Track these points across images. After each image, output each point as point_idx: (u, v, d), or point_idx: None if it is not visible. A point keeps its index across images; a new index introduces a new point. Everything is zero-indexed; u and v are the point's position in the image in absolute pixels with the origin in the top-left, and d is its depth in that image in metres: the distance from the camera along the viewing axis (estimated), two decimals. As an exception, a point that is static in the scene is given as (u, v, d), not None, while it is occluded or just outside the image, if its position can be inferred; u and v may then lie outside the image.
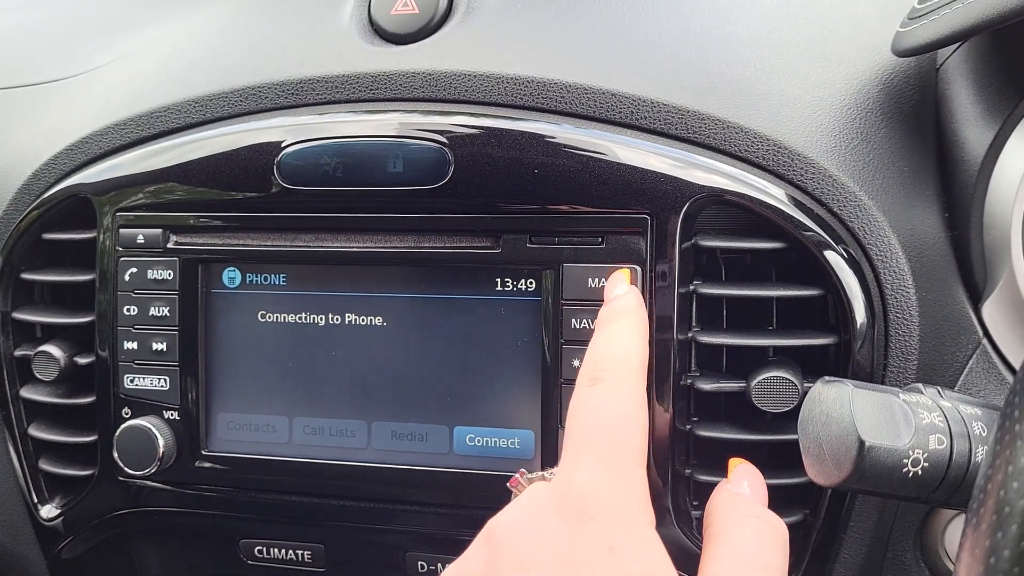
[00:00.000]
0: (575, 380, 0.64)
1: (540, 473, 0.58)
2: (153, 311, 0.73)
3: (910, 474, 0.50)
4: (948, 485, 0.50)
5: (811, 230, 0.64)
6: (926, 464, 0.50)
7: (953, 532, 0.70)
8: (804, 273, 0.66)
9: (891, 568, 0.69)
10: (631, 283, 0.65)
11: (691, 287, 0.66)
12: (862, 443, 0.49)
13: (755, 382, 0.64)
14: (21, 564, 0.85)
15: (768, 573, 0.53)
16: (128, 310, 0.74)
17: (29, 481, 0.81)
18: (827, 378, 0.54)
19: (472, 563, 0.51)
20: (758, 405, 0.64)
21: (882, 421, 0.50)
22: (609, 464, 0.52)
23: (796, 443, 0.64)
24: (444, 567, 0.70)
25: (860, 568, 0.68)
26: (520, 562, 0.48)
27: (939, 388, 0.54)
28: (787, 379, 0.63)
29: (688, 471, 0.66)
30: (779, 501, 0.67)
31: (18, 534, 0.83)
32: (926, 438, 0.50)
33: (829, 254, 0.64)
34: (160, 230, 0.73)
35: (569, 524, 0.49)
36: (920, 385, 0.54)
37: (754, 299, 0.66)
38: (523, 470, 0.59)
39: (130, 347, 0.74)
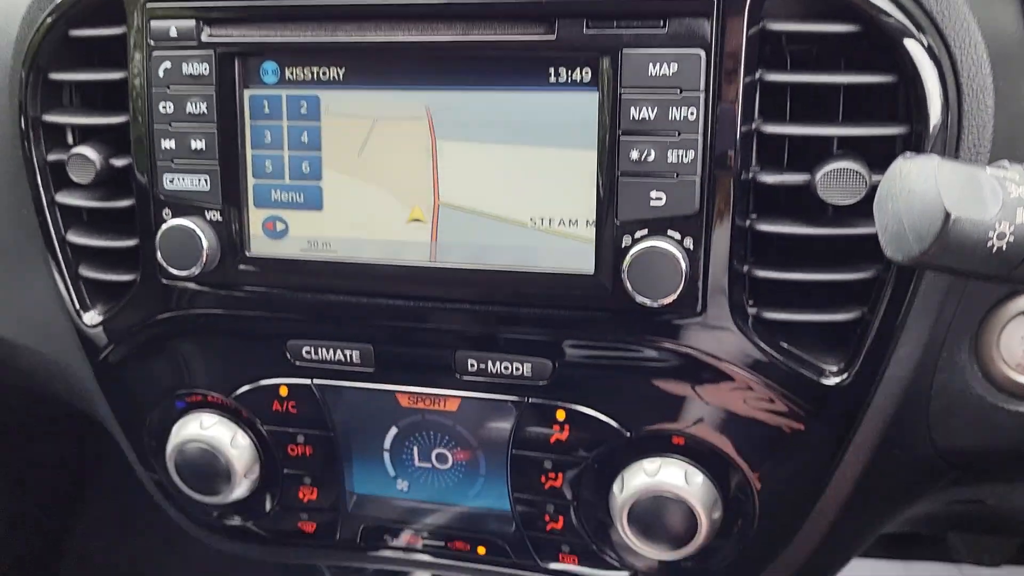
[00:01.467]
0: (633, 172, 0.63)
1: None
2: (190, 107, 0.70)
3: (994, 248, 0.48)
4: (1032, 262, 0.49)
5: (890, 15, 0.60)
6: (1011, 239, 0.48)
7: (1009, 336, 0.69)
8: (874, 64, 0.62)
9: (945, 368, 0.68)
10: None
11: (757, 75, 0.63)
12: (947, 215, 0.47)
13: (821, 174, 0.61)
14: (66, 374, 0.86)
15: None
16: (164, 107, 0.71)
17: (71, 288, 0.81)
18: (908, 153, 0.52)
19: None
20: (823, 198, 0.62)
21: (969, 194, 0.48)
22: None
23: (857, 239, 0.64)
24: (493, 366, 0.70)
25: (914, 367, 0.67)
26: None
27: (1025, 165, 0.51)
28: (855, 170, 0.61)
29: (746, 267, 0.65)
30: (837, 299, 0.66)
31: (62, 344, 0.84)
32: (1013, 211, 0.48)
33: (907, 41, 0.60)
34: (193, 22, 0.70)
35: None
36: (1006, 161, 0.51)
37: (820, 89, 0.63)
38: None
39: (167, 146, 0.72)
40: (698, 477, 0.68)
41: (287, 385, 0.76)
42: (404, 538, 0.81)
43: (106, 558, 1.64)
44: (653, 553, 0.71)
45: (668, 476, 0.68)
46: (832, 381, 0.66)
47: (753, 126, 0.63)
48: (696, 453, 0.69)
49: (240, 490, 0.79)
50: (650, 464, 0.69)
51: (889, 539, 1.74)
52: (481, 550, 0.79)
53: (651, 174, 0.63)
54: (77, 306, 0.81)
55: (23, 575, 1.53)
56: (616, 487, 0.71)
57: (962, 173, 0.49)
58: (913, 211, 0.49)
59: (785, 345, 0.67)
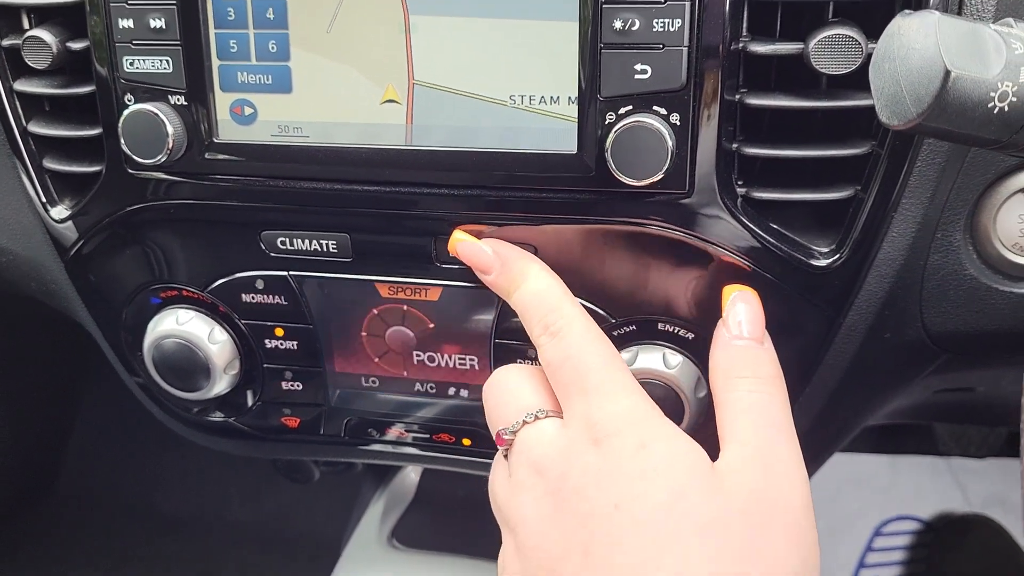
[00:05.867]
0: (617, 44, 0.60)
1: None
2: (147, -17, 0.66)
3: (995, 110, 0.45)
4: (1034, 125, 0.46)
5: None
6: (1014, 99, 0.45)
7: (1005, 216, 0.67)
8: None
9: (939, 249, 0.66)
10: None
11: None
12: (947, 72, 0.44)
13: (815, 42, 0.58)
14: (38, 272, 0.84)
15: (775, 427, 0.57)
16: (120, -17, 0.67)
17: (35, 181, 0.78)
18: (907, 11, 0.48)
19: (537, 500, 0.56)
20: (816, 67, 0.59)
21: (970, 50, 0.45)
22: (607, 395, 0.56)
23: (851, 113, 0.61)
24: (474, 253, 0.68)
25: (908, 247, 0.65)
26: (578, 489, 0.54)
27: (1032, 22, 0.48)
28: (850, 36, 0.58)
29: (735, 145, 0.62)
30: (830, 175, 0.64)
31: (31, 240, 0.81)
32: (1017, 70, 0.45)
33: None
34: None
35: (602, 447, 0.55)
36: (1011, 19, 0.48)
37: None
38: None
39: (125, 25, 0.68)
40: (677, 358, 0.67)
41: (263, 277, 0.74)
42: (388, 432, 0.80)
43: (103, 465, 1.66)
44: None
45: (646, 362, 0.67)
46: (823, 262, 0.65)
47: (742, -8, 0.60)
48: (681, 338, 0.68)
49: (220, 385, 0.77)
50: (626, 353, 0.68)
51: (875, 432, 1.76)
52: (466, 442, 0.78)
53: (635, 45, 0.60)
54: (43, 200, 0.78)
55: (21, 485, 1.55)
56: None
57: (964, 29, 0.46)
58: (911, 70, 0.46)
59: (775, 226, 0.65)
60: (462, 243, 0.67)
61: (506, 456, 0.61)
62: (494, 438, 0.61)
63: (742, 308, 0.62)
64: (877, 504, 1.79)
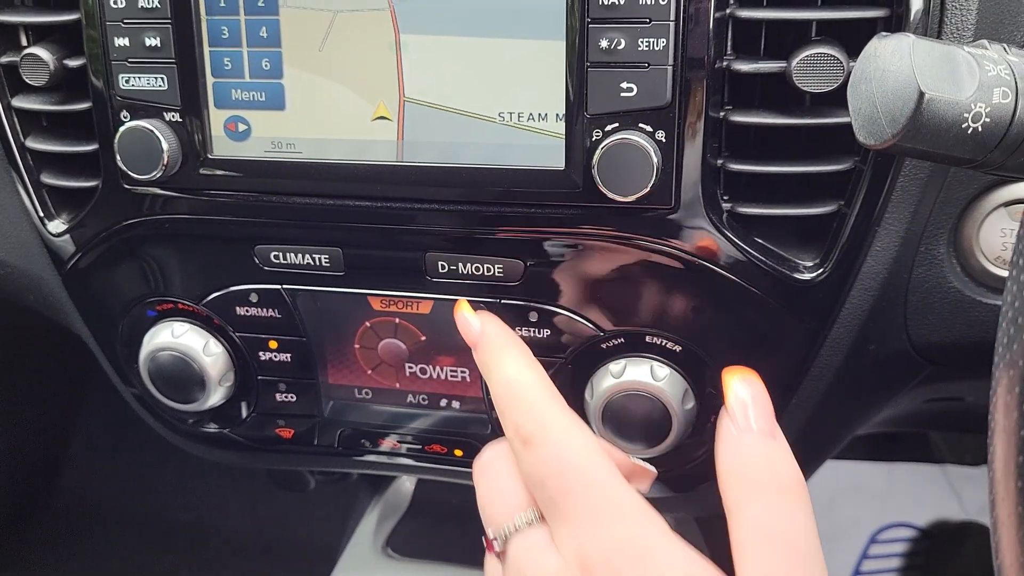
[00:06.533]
0: (603, 63, 0.61)
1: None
2: (142, 2, 0.67)
3: (969, 130, 0.46)
4: (1008, 144, 0.47)
5: None
6: (987, 120, 0.46)
7: (988, 229, 0.68)
8: None
9: (923, 263, 0.67)
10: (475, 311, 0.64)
11: None
12: (921, 94, 0.45)
13: (797, 60, 0.59)
14: (36, 284, 0.85)
15: (796, 553, 0.50)
16: (115, 2, 0.68)
17: (33, 196, 0.79)
18: (883, 33, 0.49)
19: None
20: (799, 85, 0.60)
21: (944, 72, 0.46)
22: (598, 524, 0.50)
23: (835, 128, 0.62)
24: (464, 267, 0.69)
25: (892, 261, 0.66)
26: None
27: (1005, 45, 0.49)
28: (832, 55, 0.59)
29: (720, 161, 0.63)
30: (815, 191, 0.65)
31: (29, 254, 0.82)
32: (990, 91, 0.46)
33: None
34: (141, -93, 0.66)
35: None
36: (985, 41, 0.49)
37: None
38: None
39: (121, 43, 0.69)
40: (664, 371, 0.68)
41: (257, 291, 0.75)
42: (381, 443, 0.81)
43: (102, 475, 1.66)
44: (630, 451, 0.70)
45: (634, 374, 0.68)
46: (807, 276, 0.65)
47: (728, 11, 0.61)
48: (669, 351, 0.69)
49: (215, 397, 0.78)
50: (615, 365, 0.69)
51: (870, 440, 1.77)
52: (458, 452, 0.79)
53: (621, 64, 0.61)
54: (41, 214, 0.79)
55: (20, 495, 1.56)
56: (587, 393, 0.71)
57: (937, 51, 0.47)
58: (886, 91, 0.47)
59: (760, 241, 0.66)
60: (459, 313, 0.64)
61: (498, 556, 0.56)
62: (484, 539, 0.58)
63: (746, 394, 0.55)
64: (873, 512, 1.79)
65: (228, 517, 1.64)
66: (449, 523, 1.04)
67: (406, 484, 1.11)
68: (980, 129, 0.46)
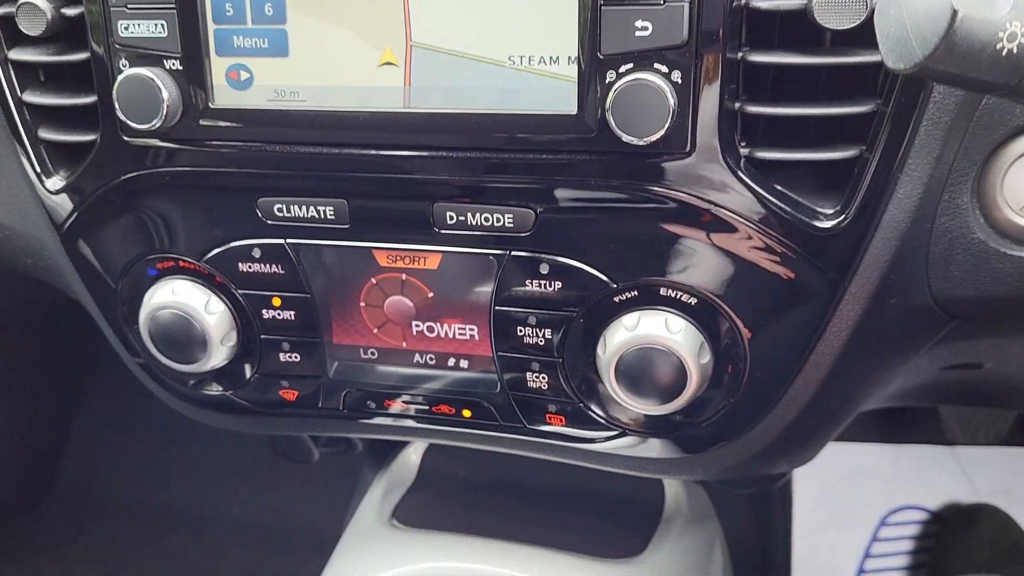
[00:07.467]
0: (616, 0, 0.59)
1: None
2: (141, -55, 0.66)
3: (1004, 51, 0.44)
4: (1043, 68, 0.45)
5: None
6: (1023, 40, 0.44)
7: (1014, 178, 0.66)
8: None
9: (945, 212, 0.65)
10: None
11: None
12: (954, 12, 0.43)
13: (818, -5, 0.57)
14: (34, 247, 0.83)
15: None
16: (114, -54, 0.66)
17: (30, 152, 0.77)
18: (913, -46, 0.47)
19: None
20: (820, 22, 0.58)
21: (978, -10, 0.44)
22: None
23: (856, 70, 0.60)
24: (473, 217, 0.67)
25: (914, 209, 0.64)
26: None
27: (1040, -37, 0.47)
28: (855, -10, 0.57)
29: (738, 104, 0.61)
30: (835, 135, 0.63)
31: (27, 214, 0.80)
32: (1026, 9, 0.44)
33: None
34: None
35: None
36: (1020, -40, 0.47)
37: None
38: None
39: (120, -11, 0.67)
40: (680, 323, 0.66)
41: (260, 246, 0.73)
42: (387, 404, 0.79)
43: (104, 462, 1.66)
44: (644, 408, 0.69)
45: (648, 328, 0.66)
46: (827, 224, 0.63)
47: (746, -55, 0.59)
48: (684, 303, 0.67)
49: (218, 357, 0.76)
50: (628, 319, 0.66)
51: (880, 420, 1.75)
52: (466, 413, 0.77)
53: (636, 1, 0.59)
54: (39, 171, 0.77)
55: (22, 483, 1.55)
56: (600, 348, 0.69)
57: (971, -32, 0.45)
58: (917, 11, 0.45)
59: (779, 187, 0.64)
60: None
61: None
62: None
63: None
64: (883, 494, 1.78)
65: (232, 503, 1.63)
66: (456, 494, 1.02)
67: (412, 457, 1.09)
68: (1015, 50, 0.44)
